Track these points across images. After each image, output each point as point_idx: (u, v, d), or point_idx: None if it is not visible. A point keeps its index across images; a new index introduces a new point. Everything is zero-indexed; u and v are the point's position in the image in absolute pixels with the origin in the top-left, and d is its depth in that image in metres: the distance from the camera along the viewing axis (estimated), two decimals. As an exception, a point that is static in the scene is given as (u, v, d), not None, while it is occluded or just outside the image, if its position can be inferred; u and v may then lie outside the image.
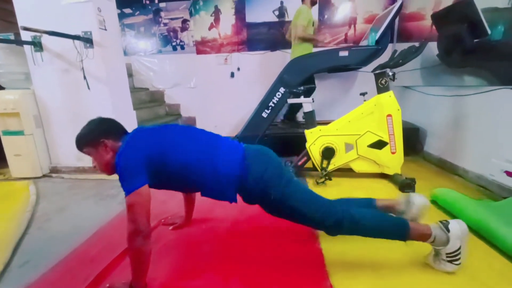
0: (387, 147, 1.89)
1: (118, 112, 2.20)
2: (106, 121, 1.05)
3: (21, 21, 2.03)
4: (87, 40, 2.04)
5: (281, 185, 0.99)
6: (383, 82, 1.86)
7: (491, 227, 1.20)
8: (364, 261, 1.12)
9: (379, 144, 1.89)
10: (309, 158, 2.04)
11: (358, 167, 2.00)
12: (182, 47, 3.64)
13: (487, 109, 1.81)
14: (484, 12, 1.74)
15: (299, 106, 2.99)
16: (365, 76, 3.14)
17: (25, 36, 2.10)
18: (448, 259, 0.99)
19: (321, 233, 1.30)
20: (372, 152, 1.92)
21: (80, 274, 1.06)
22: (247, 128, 2.56)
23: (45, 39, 2.10)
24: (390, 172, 1.93)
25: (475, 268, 1.05)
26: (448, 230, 0.97)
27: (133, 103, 2.53)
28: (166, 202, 1.65)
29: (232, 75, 3.57)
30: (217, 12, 3.45)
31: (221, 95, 3.63)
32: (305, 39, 2.74)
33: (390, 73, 1.85)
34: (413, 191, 1.76)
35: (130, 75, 3.70)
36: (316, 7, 3.05)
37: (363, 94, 2.05)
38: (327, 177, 1.92)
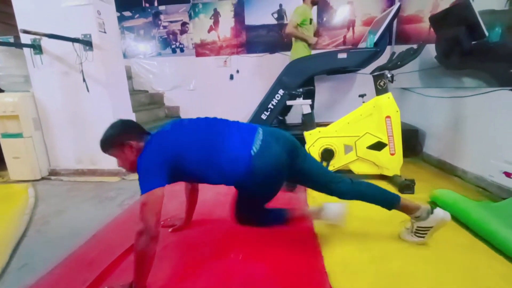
0: (386, 149, 1.89)
1: (118, 115, 2.18)
2: (128, 123, 1.11)
3: (20, 24, 2.04)
4: (87, 43, 2.05)
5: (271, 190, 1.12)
6: (381, 84, 1.87)
7: (491, 228, 1.19)
8: (363, 262, 1.11)
9: (378, 146, 1.90)
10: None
11: (357, 168, 2.00)
12: (182, 50, 3.65)
13: (486, 111, 1.82)
14: (481, 15, 1.76)
15: (288, 108, 2.99)
16: (363, 78, 3.15)
17: (25, 39, 2.11)
18: (418, 234, 1.17)
19: (320, 234, 1.30)
20: (371, 154, 1.92)
21: (79, 277, 1.05)
22: (247, 130, 2.56)
23: (45, 42, 2.10)
24: (390, 173, 1.93)
25: (475, 269, 1.04)
26: (432, 212, 1.12)
27: (132, 105, 2.53)
28: (166, 204, 1.62)
29: (232, 77, 3.58)
30: (216, 15, 3.46)
31: (221, 97, 3.64)
32: (295, 36, 2.74)
33: (389, 75, 1.86)
34: (413, 192, 1.77)
35: (129, 77, 3.70)
36: (315, 9, 3.07)
37: (362, 96, 2.05)
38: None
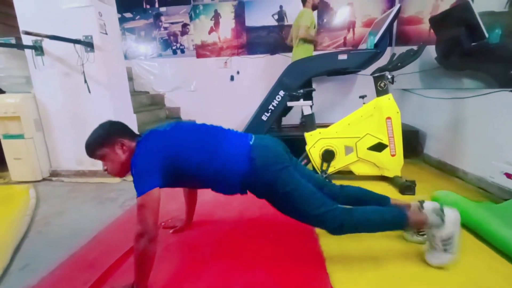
0: (386, 150, 1.89)
1: (119, 116, 2.19)
2: (118, 122, 1.08)
3: (22, 25, 2.04)
4: (88, 44, 2.05)
5: (286, 180, 1.01)
6: (382, 85, 1.87)
7: (492, 229, 1.19)
8: (364, 259, 1.12)
9: (379, 147, 1.90)
10: (309, 161, 2.04)
11: (358, 169, 2.00)
12: (182, 51, 3.66)
13: (486, 111, 1.82)
14: (481, 16, 1.76)
15: (289, 109, 2.99)
16: (364, 79, 3.16)
17: (26, 40, 2.12)
18: (444, 247, 1.01)
19: (320, 232, 1.30)
20: (372, 155, 1.92)
21: (80, 278, 1.05)
22: (247, 131, 2.56)
23: (46, 43, 2.11)
24: (390, 174, 1.93)
25: (476, 270, 1.04)
26: (443, 213, 1.02)
27: (133, 106, 2.54)
28: (166, 205, 1.65)
29: (232, 78, 3.59)
30: (217, 16, 3.47)
31: (221, 99, 3.65)
32: (307, 40, 2.75)
33: (389, 76, 1.86)
34: (414, 193, 1.77)
35: (130, 78, 3.71)
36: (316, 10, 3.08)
37: (362, 97, 2.05)
38: (327, 180, 1.92)
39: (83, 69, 2.06)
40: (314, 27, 2.80)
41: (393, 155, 1.89)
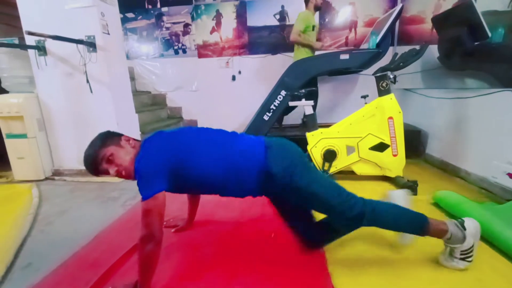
0: (388, 150, 1.88)
1: (121, 115, 2.20)
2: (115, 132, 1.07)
3: (25, 26, 2.06)
4: (90, 44, 2.06)
5: (306, 174, 0.99)
6: (384, 85, 1.87)
7: (495, 230, 1.19)
8: (367, 261, 1.11)
9: (381, 147, 1.89)
10: (310, 161, 2.04)
11: (359, 169, 2.00)
12: (184, 51, 3.67)
13: (489, 111, 1.81)
14: (484, 15, 1.75)
15: (291, 109, 2.98)
16: (366, 79, 3.15)
17: (30, 40, 2.13)
18: (462, 256, 1.01)
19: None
20: (374, 155, 1.92)
21: (82, 277, 1.06)
22: (249, 131, 2.56)
23: (49, 44, 2.12)
24: (392, 174, 1.92)
25: (479, 271, 1.04)
26: (464, 228, 0.98)
27: (135, 106, 2.54)
28: (168, 205, 1.64)
29: (234, 78, 3.59)
30: (218, 16, 3.48)
31: (223, 98, 3.65)
32: (300, 44, 2.75)
33: (391, 76, 1.86)
34: (416, 193, 1.76)
35: (132, 78, 3.71)
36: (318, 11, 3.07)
37: (364, 96, 2.05)
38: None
39: (85, 69, 2.07)
40: (313, 30, 2.78)
41: (395, 155, 1.88)
